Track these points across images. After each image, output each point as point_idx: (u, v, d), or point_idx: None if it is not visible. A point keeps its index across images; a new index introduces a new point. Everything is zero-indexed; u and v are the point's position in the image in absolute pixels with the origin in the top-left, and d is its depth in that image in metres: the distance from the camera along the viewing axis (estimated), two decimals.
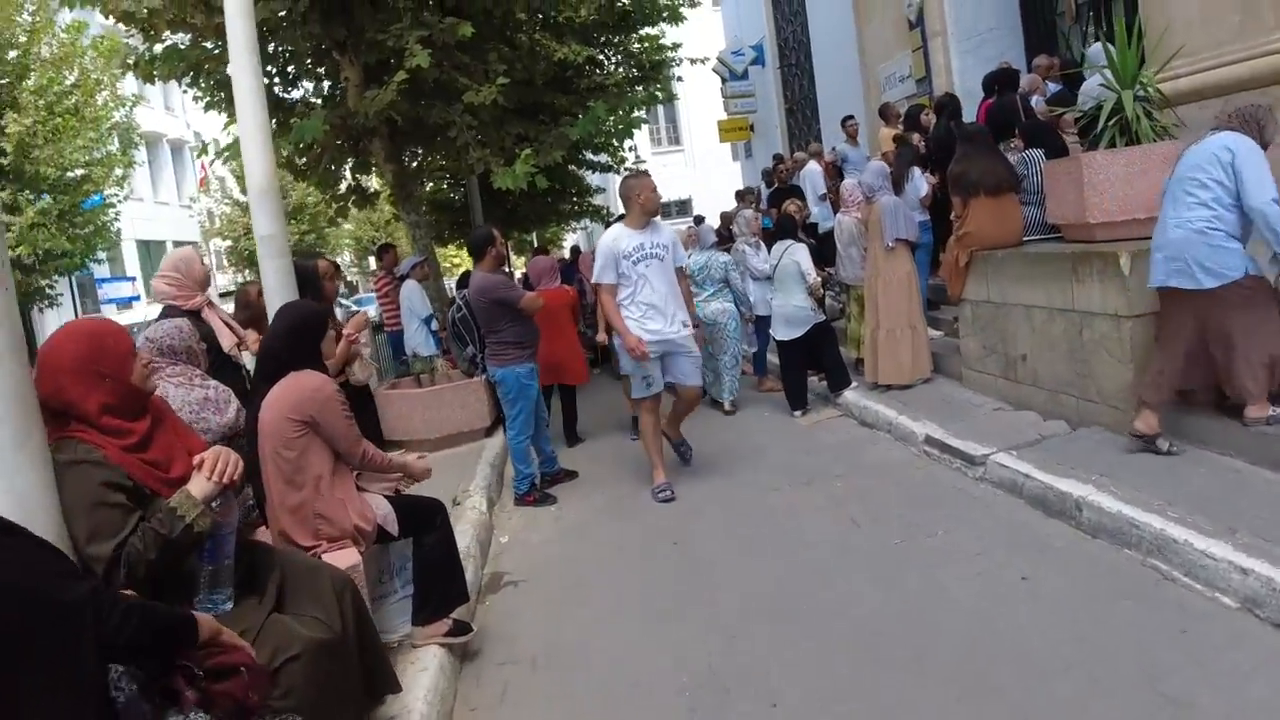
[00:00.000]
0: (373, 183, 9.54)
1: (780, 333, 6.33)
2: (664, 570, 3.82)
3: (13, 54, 13.62)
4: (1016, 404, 5.08)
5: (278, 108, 7.04)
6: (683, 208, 26.62)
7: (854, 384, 6.27)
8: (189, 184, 30.10)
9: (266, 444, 2.71)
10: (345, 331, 3.83)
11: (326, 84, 7.60)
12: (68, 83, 14.12)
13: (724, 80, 17.36)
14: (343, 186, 8.99)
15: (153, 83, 7.13)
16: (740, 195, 12.01)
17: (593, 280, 5.01)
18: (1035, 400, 4.92)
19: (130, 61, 6.68)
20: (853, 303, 6.70)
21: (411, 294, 6.97)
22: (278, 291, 3.78)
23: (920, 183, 6.66)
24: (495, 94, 6.41)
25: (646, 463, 4.99)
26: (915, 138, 7.61)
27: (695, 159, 27.41)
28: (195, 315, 3.37)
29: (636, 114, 8.60)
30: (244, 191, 31.12)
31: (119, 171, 16.52)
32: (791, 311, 6.21)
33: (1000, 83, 6.92)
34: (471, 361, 5.59)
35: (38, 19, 13.84)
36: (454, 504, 4.79)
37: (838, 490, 4.51)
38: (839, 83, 12.47)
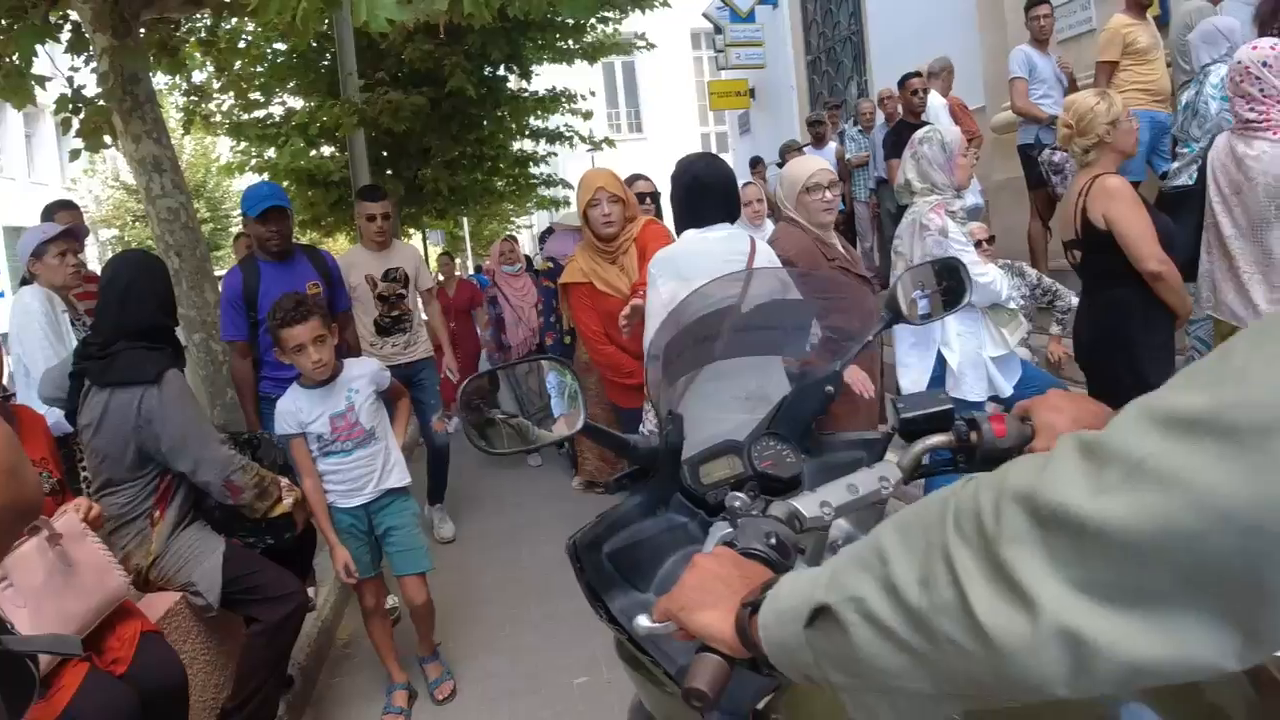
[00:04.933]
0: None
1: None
2: None
3: None
4: None
5: None
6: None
7: None
8: (77, 163, 25.26)
9: None
10: None
11: None
12: None
13: (717, 30, 13.23)
14: (47, 90, 4.67)
15: None
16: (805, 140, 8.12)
17: None
18: None
19: None
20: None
21: (27, 315, 2.67)
22: None
23: None
24: None
25: None
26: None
27: (659, 149, 23.03)
28: None
29: None
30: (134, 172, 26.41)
31: None
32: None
33: None
34: None
35: None
36: None
37: None
38: (923, 5, 8.44)
